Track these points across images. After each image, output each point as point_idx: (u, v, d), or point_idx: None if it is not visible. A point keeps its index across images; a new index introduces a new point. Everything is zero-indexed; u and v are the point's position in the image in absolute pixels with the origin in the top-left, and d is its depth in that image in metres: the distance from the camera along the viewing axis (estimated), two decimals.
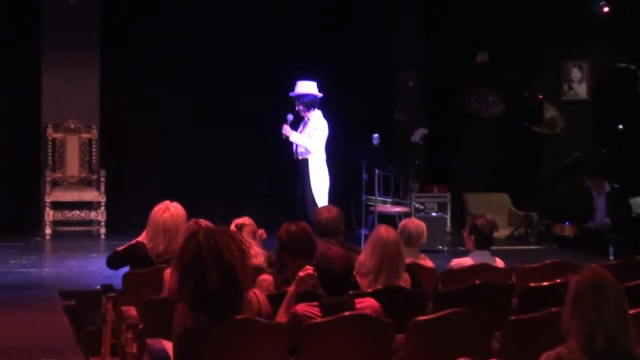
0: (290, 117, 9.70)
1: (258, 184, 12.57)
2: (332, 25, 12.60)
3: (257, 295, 4.13)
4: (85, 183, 11.72)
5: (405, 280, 5.28)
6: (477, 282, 5.28)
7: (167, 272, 4.97)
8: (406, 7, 12.86)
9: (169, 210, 5.68)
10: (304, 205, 9.53)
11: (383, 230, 5.33)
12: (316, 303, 4.37)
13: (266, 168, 12.43)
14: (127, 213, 10.93)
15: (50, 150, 11.57)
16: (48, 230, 11.20)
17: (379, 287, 5.01)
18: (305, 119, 9.76)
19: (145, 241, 5.72)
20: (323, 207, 6.18)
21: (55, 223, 11.28)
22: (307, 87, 9.84)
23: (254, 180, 12.53)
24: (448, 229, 11.58)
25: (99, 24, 11.77)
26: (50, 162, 11.55)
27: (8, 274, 8.75)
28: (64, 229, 11.38)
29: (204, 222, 4.99)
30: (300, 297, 4.50)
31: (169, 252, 5.46)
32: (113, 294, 5.76)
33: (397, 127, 12.90)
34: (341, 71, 12.75)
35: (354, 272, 4.90)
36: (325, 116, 9.91)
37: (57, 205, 11.31)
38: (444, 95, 13.08)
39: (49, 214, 11.21)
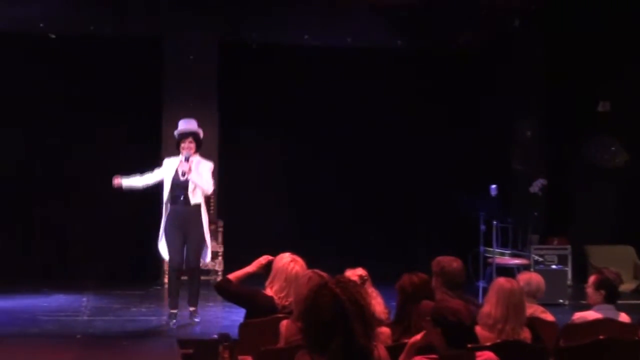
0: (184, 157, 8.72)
1: (370, 234, 12.59)
2: (448, 75, 12.64)
3: (380, 350, 4.04)
4: None
5: (525, 334, 5.15)
6: (602, 337, 5.10)
7: (284, 323, 4.97)
8: (524, 56, 12.72)
9: (298, 262, 5.75)
10: (197, 250, 8.78)
11: (504, 280, 5.24)
12: (434, 356, 4.28)
13: (376, 218, 12.49)
14: (243, 263, 11.00)
15: None
16: (167, 279, 11.38)
17: (504, 337, 4.89)
18: (189, 159, 8.76)
19: (271, 292, 5.74)
20: (449, 258, 5.96)
21: None
22: (195, 124, 8.91)
23: (365, 230, 12.56)
24: (569, 282, 11.27)
25: (217, 78, 12.05)
26: None
27: (129, 322, 8.93)
28: (183, 278, 11.53)
29: (324, 274, 4.97)
30: (418, 350, 4.41)
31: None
32: (230, 343, 5.78)
33: (515, 177, 12.70)
34: (458, 121, 12.74)
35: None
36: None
37: None
38: (563, 145, 12.83)
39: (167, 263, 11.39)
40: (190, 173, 8.66)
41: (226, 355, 5.79)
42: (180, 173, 8.70)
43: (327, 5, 12.07)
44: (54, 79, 12.00)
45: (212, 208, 11.97)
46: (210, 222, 11.83)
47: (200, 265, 9.07)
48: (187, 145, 8.73)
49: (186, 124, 8.88)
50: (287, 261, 5.75)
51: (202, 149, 9.17)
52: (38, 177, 12.06)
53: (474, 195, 10.85)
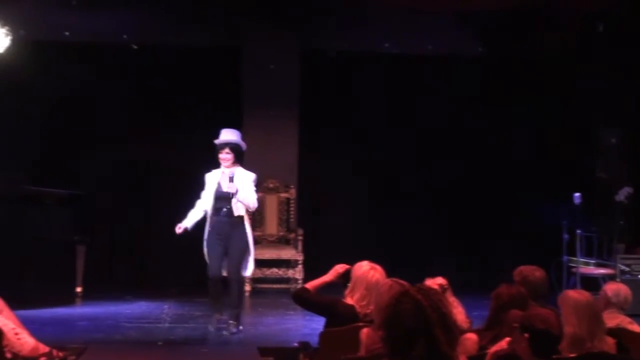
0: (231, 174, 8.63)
1: (450, 242, 12.46)
2: (531, 81, 12.48)
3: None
4: (283, 241, 11.94)
5: (610, 346, 5.00)
6: None
7: (364, 331, 4.94)
8: (609, 61, 12.46)
9: (377, 270, 5.71)
10: (238, 262, 8.68)
11: (576, 294, 5.02)
12: None
13: (457, 227, 12.37)
14: (323, 271, 10.99)
15: None
16: (248, 287, 11.45)
17: (586, 351, 4.76)
18: (229, 171, 8.66)
19: (352, 301, 5.71)
20: (531, 267, 5.87)
21: (254, 280, 11.52)
22: (237, 135, 8.87)
23: (446, 238, 12.45)
24: None
25: (298, 87, 12.09)
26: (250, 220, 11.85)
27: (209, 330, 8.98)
28: (263, 286, 11.61)
29: (405, 283, 4.92)
30: (501, 359, 4.34)
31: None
32: (310, 352, 5.77)
33: (600, 185, 12.44)
34: (541, 129, 12.55)
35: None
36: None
37: (257, 263, 11.49)
38: None
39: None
40: (237, 194, 8.59)
41: None
42: (225, 191, 8.66)
43: (407, 13, 12.01)
44: (135, 89, 12.19)
45: (292, 216, 12.02)
46: (290, 231, 11.92)
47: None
48: (224, 156, 8.69)
49: (224, 134, 8.86)
50: (367, 269, 5.73)
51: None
52: (121, 186, 12.25)
53: (557, 203, 10.67)
